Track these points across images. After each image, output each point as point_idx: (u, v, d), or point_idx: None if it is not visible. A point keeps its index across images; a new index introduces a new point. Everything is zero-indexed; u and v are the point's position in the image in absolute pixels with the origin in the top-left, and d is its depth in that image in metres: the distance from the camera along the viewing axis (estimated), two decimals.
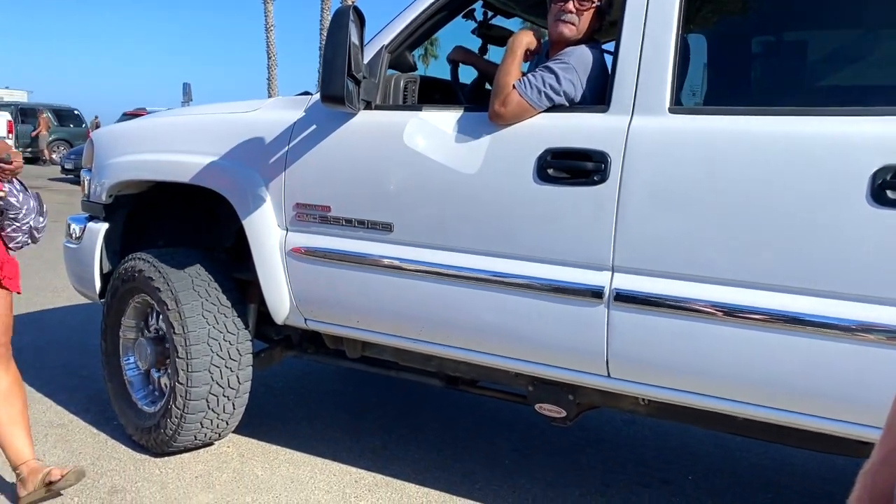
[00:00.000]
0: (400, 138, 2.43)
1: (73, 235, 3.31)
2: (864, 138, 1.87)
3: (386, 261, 2.49)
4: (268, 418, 3.44)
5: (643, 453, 3.30)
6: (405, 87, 2.66)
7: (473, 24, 3.10)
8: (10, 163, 2.36)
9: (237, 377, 2.90)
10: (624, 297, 2.12)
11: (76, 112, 23.62)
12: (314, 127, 2.61)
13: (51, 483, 2.46)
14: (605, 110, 2.18)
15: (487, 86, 3.08)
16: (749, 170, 1.96)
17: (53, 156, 20.50)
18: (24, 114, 21.60)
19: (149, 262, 2.94)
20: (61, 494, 2.58)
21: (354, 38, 2.31)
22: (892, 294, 1.82)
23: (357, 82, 2.38)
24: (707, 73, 2.62)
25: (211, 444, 3.11)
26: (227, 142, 2.81)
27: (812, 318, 1.91)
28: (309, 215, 2.62)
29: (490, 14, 3.10)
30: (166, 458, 3.00)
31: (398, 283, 2.48)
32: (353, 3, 11.87)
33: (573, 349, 2.24)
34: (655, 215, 2.06)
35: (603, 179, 2.11)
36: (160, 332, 3.04)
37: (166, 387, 2.99)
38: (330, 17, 2.50)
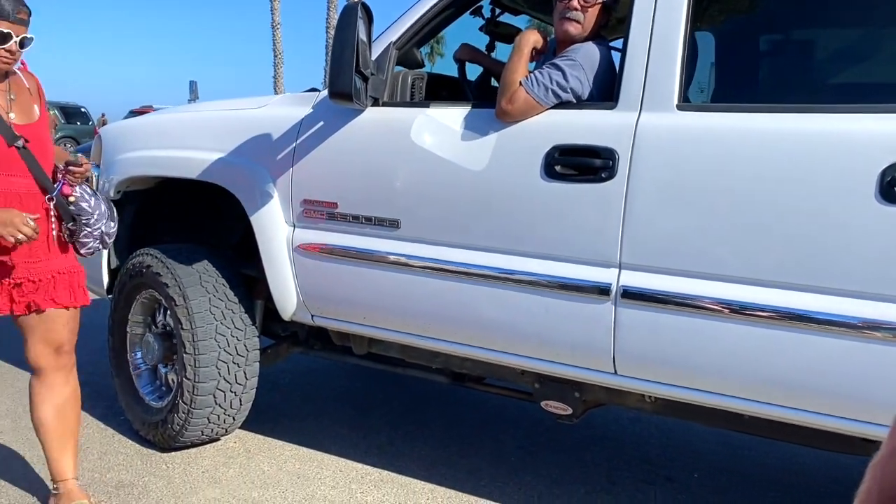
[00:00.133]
0: (407, 135, 2.44)
1: None
2: (873, 136, 1.87)
3: (393, 257, 2.49)
4: (274, 414, 3.45)
5: (648, 451, 3.30)
6: (413, 84, 2.66)
7: (480, 22, 3.11)
8: (80, 165, 2.32)
9: (244, 373, 2.91)
10: (631, 294, 2.12)
11: (83, 109, 23.69)
12: (322, 123, 2.62)
13: None
14: (613, 107, 2.18)
15: (494, 83, 3.08)
16: (757, 167, 1.96)
17: None
18: None
19: (157, 257, 2.95)
20: None
21: (362, 35, 2.32)
22: None
23: (365, 79, 2.39)
24: (715, 69, 2.62)
25: (217, 439, 3.12)
26: (235, 138, 2.82)
27: (819, 315, 1.91)
28: (316, 212, 2.63)
29: (498, 11, 3.11)
30: (173, 453, 3.01)
31: (405, 280, 2.49)
32: None
33: (580, 346, 2.24)
34: (663, 212, 2.06)
35: (611, 176, 2.11)
36: (167, 328, 3.05)
37: (173, 382, 3.00)
38: (336, 15, 2.50)
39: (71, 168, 2.32)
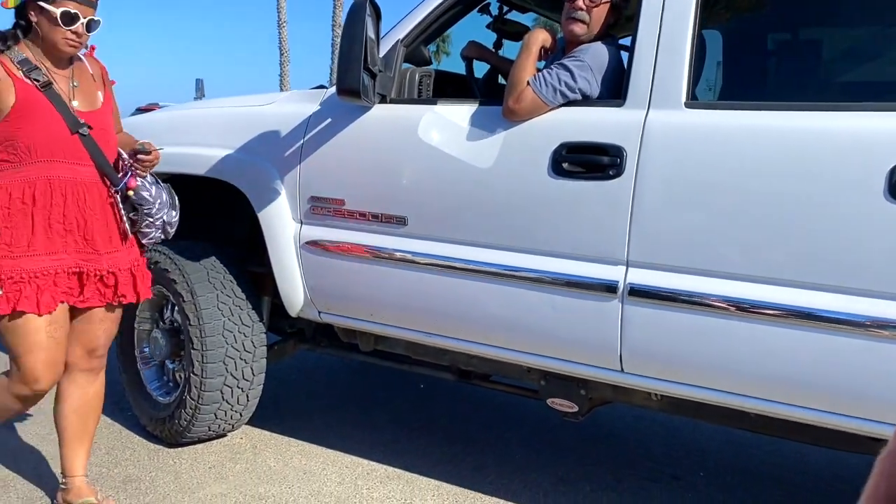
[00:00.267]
0: (415, 132, 2.44)
1: None
2: (881, 134, 1.86)
3: (399, 254, 2.50)
4: (280, 410, 3.46)
5: (654, 449, 3.30)
6: (420, 81, 2.67)
7: (487, 20, 3.11)
8: (149, 153, 2.26)
9: (251, 369, 2.92)
10: (638, 292, 2.12)
11: None
12: (329, 120, 2.62)
13: None
14: (621, 104, 2.18)
15: (501, 80, 3.08)
16: (764, 165, 1.96)
17: None
18: None
19: (164, 253, 2.96)
20: None
21: (370, 32, 2.32)
22: None
23: (373, 76, 2.39)
24: (723, 67, 2.62)
25: (224, 435, 3.13)
26: (242, 135, 2.82)
27: (826, 313, 1.91)
28: (323, 208, 2.63)
29: (505, 9, 3.10)
30: (180, 448, 3.02)
31: (412, 277, 2.49)
32: None
33: (587, 343, 2.24)
34: (671, 210, 2.06)
35: (618, 174, 2.12)
36: (175, 324, 3.07)
37: (181, 378, 3.01)
38: (343, 13, 2.51)
39: (140, 157, 2.25)
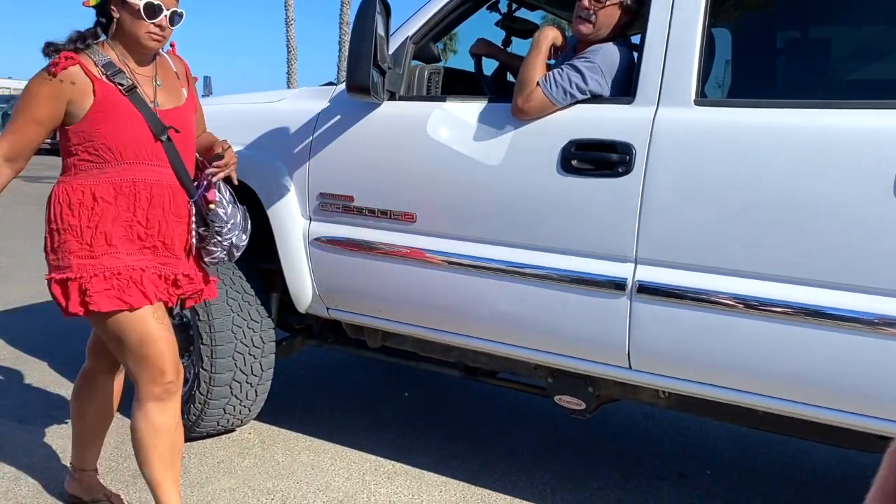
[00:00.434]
0: (423, 129, 2.45)
1: None
2: (891, 132, 1.86)
3: (408, 251, 2.50)
4: (289, 406, 3.47)
5: (661, 447, 3.30)
6: (429, 78, 2.67)
7: (495, 17, 3.11)
8: (223, 157, 2.14)
9: (260, 364, 2.94)
10: (646, 289, 2.13)
11: None
12: (338, 117, 2.63)
13: None
14: (630, 102, 2.18)
15: (510, 77, 3.09)
16: (773, 163, 1.96)
17: None
18: None
19: None
20: None
21: (380, 29, 2.33)
22: None
23: (382, 73, 2.40)
24: (732, 65, 2.61)
25: (233, 430, 3.15)
26: (251, 131, 2.84)
27: (835, 311, 1.91)
28: (332, 205, 2.64)
29: (514, 6, 3.11)
30: (189, 443, 3.03)
31: (420, 274, 2.50)
32: None
33: (595, 341, 2.25)
34: (680, 207, 2.06)
35: (627, 171, 2.12)
36: (184, 319, 3.07)
37: (190, 373, 3.03)
38: (350, 11, 2.51)
39: (215, 164, 2.14)
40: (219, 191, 2.19)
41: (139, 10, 1.98)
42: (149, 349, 2.08)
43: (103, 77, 2.00)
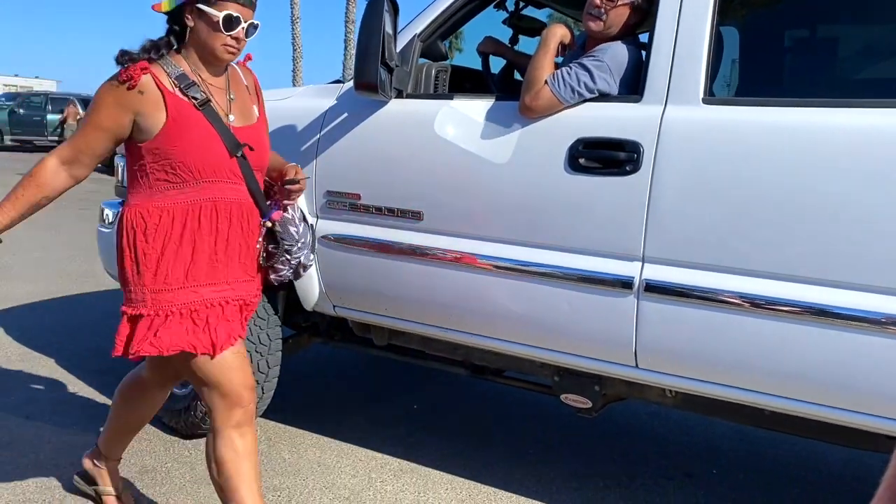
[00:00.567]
0: (431, 127, 2.45)
1: (107, 220, 3.37)
2: None
3: (415, 249, 2.51)
4: (295, 404, 3.48)
5: (667, 446, 3.29)
6: (436, 76, 2.67)
7: (503, 16, 3.11)
8: (297, 182, 2.09)
9: (266, 362, 2.94)
10: (654, 288, 2.12)
11: None
12: (346, 115, 2.63)
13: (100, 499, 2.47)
14: (638, 100, 2.18)
15: (518, 76, 3.08)
16: (781, 161, 1.95)
17: None
18: (54, 103, 21.96)
19: None
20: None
21: (388, 27, 2.33)
22: None
23: (390, 71, 2.40)
24: (740, 64, 2.61)
25: None
26: None
27: (842, 310, 1.90)
28: (339, 203, 2.65)
29: (521, 4, 3.10)
30: (196, 440, 3.04)
31: (427, 272, 2.50)
32: None
33: (602, 339, 2.24)
34: (687, 206, 2.06)
35: (635, 169, 2.11)
36: None
37: None
38: (356, 10, 2.51)
39: (288, 188, 2.10)
40: (293, 209, 2.14)
41: (218, 22, 1.88)
42: (226, 381, 2.01)
43: (176, 90, 1.91)
